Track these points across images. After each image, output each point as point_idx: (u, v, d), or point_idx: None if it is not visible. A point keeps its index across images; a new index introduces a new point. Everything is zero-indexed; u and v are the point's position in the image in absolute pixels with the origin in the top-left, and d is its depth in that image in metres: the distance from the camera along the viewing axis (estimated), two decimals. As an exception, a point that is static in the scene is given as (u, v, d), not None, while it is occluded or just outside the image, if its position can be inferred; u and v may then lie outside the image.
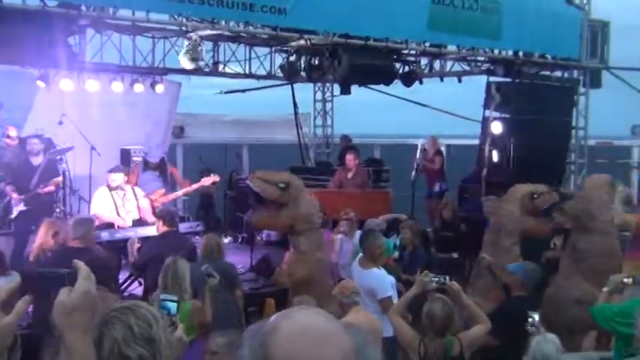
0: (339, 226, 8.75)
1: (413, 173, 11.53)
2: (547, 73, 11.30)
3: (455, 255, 9.49)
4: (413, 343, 5.13)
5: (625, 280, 5.59)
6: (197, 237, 11.34)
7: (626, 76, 12.04)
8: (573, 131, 11.25)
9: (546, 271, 8.91)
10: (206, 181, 9.94)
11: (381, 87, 12.51)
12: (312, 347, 1.45)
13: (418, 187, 12.27)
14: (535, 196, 8.17)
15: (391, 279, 6.53)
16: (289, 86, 13.56)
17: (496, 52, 10.30)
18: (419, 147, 13.06)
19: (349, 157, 11.33)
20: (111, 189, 8.70)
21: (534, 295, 6.63)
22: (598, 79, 11.57)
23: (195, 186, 9.97)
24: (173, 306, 3.34)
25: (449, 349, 4.96)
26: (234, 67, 12.00)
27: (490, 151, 10.38)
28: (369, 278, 6.40)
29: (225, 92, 13.82)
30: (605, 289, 5.72)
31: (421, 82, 12.71)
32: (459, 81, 12.60)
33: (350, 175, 11.27)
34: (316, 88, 15.17)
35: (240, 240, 11.52)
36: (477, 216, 9.40)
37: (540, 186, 8.31)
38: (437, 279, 5.46)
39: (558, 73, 11.40)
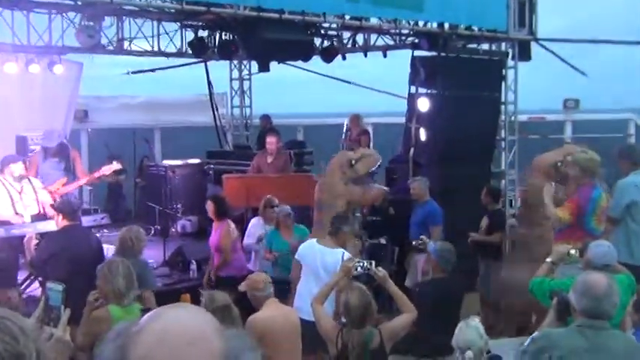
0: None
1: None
2: (474, 46, 11.49)
3: (383, 240, 9.62)
4: (331, 334, 5.19)
5: (572, 251, 5.79)
6: (105, 230, 11.24)
7: (556, 48, 12.37)
8: (503, 107, 11.48)
9: (473, 254, 9.21)
10: (106, 170, 9.72)
11: (303, 64, 12.52)
12: (172, 350, 1.45)
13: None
14: (559, 164, 8.31)
15: None
16: (203, 64, 13.43)
17: (420, 24, 10.41)
18: (344, 127, 13.19)
19: (269, 140, 11.31)
20: (6, 182, 8.39)
21: (455, 275, 6.78)
22: (527, 52, 11.80)
23: (95, 175, 9.75)
24: (56, 296, 3.11)
25: (368, 341, 5.03)
26: (141, 45, 11.78)
27: (417, 130, 10.52)
28: (334, 255, 6.69)
29: (133, 72, 13.57)
30: (548, 260, 5.91)
31: (344, 58, 12.79)
32: (384, 56, 12.71)
33: (270, 159, 11.25)
34: (232, 66, 15.04)
35: (152, 232, 11.37)
36: (405, 198, 9.56)
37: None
38: (361, 264, 5.54)
39: (485, 46, 11.61)
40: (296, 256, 7.15)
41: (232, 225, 8.46)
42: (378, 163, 8.99)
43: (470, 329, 4.77)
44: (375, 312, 5.15)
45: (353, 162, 8.37)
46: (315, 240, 7.09)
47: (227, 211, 8.67)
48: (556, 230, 7.56)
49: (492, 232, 9.35)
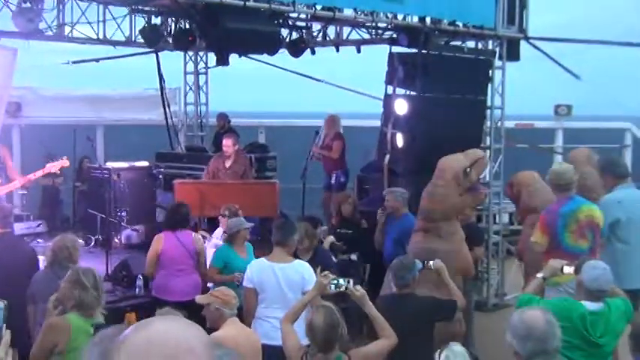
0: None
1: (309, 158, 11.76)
2: (458, 43, 11.61)
3: (353, 257, 9.68)
4: (294, 356, 5.22)
5: (566, 268, 5.89)
6: (39, 240, 11.15)
7: (548, 48, 12.55)
8: (488, 111, 11.61)
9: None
10: (51, 167, 9.65)
11: (267, 58, 12.55)
12: None
13: (311, 178, 12.42)
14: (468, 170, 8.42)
15: None
16: (154, 55, 13.39)
17: (400, 17, 10.50)
18: (319, 130, 13.17)
19: (227, 142, 11.32)
20: None
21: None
22: (516, 51, 11.97)
23: (38, 174, 9.68)
24: None
25: None
26: (84, 31, 11.72)
27: (393, 135, 10.58)
28: (295, 270, 6.81)
29: (74, 62, 13.50)
30: (539, 275, 6.01)
31: (313, 52, 12.85)
32: (358, 51, 12.80)
33: (228, 163, 11.27)
34: (187, 58, 15.03)
35: (93, 243, 11.31)
36: (375, 210, 9.62)
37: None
38: (336, 282, 5.58)
39: (471, 44, 11.74)
40: (247, 283, 7.04)
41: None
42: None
43: (456, 356, 4.83)
44: (344, 335, 5.17)
45: (468, 170, 8.41)
46: (263, 259, 7.07)
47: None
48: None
49: (471, 248, 9.38)
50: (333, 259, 8.89)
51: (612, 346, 5.68)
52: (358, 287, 5.59)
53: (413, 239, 8.44)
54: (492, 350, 9.14)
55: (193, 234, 8.47)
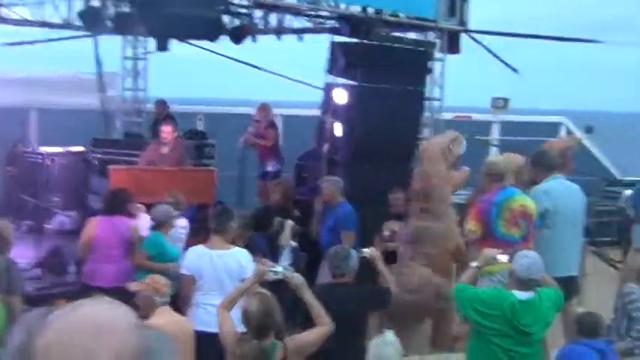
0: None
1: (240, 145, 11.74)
2: (399, 34, 11.67)
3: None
4: (230, 342, 5.20)
5: (499, 256, 5.98)
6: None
7: (488, 42, 12.70)
8: (427, 103, 11.70)
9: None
10: None
11: (208, 44, 12.46)
12: (78, 340, 1.53)
13: (251, 167, 12.40)
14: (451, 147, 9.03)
15: None
16: (92, 39, 13.18)
17: (342, 7, 10.52)
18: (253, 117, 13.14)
19: (165, 129, 11.22)
20: None
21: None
22: (456, 44, 12.09)
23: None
24: None
25: (269, 354, 5.06)
26: (20, 12, 11.49)
27: (332, 124, 10.59)
28: (233, 257, 6.80)
29: (8, 44, 13.22)
30: (473, 264, 6.08)
31: (254, 40, 12.80)
32: (300, 39, 12.80)
33: (166, 149, 11.17)
34: (126, 43, 14.82)
35: (24, 228, 11.09)
36: (313, 199, 9.63)
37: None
38: (275, 269, 5.57)
39: (412, 35, 11.81)
40: (185, 271, 6.99)
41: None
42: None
43: (388, 346, 4.88)
44: (280, 322, 5.17)
45: (450, 147, 8.89)
46: (201, 246, 7.03)
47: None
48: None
49: None
50: (293, 243, 8.91)
51: (541, 335, 5.80)
52: (297, 275, 5.58)
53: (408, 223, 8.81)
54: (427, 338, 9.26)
55: (130, 221, 8.36)
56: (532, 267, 5.73)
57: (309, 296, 5.55)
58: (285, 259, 8.78)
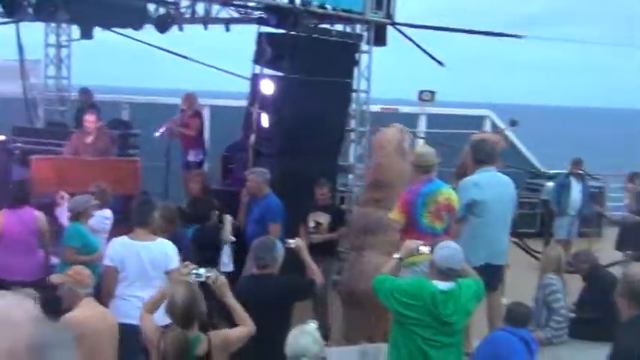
0: None
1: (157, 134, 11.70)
2: (327, 26, 11.70)
3: None
4: (153, 338, 5.18)
5: (422, 247, 6.06)
6: None
7: (414, 35, 12.79)
8: (354, 95, 11.77)
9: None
10: None
11: (133, 33, 12.31)
12: None
13: (176, 156, 12.30)
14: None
15: None
16: (14, 25, 12.89)
17: (270, -3, 10.50)
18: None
19: (88, 118, 11.10)
20: None
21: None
22: (383, 36, 12.17)
23: None
24: None
25: (192, 345, 5.05)
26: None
27: (259, 115, 10.59)
28: (158, 248, 6.76)
29: None
30: (396, 255, 6.16)
31: (181, 29, 12.70)
32: (227, 30, 12.74)
33: (89, 139, 11.03)
34: (49, 30, 14.53)
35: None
36: (239, 190, 9.62)
37: None
38: (197, 272, 5.54)
39: (339, 27, 11.86)
40: (107, 261, 6.90)
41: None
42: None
43: (304, 335, 4.91)
44: (204, 314, 5.17)
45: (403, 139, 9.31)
46: (125, 237, 6.95)
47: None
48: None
49: (336, 228, 9.57)
50: (232, 238, 8.89)
51: (462, 324, 5.90)
52: (221, 278, 5.57)
53: (362, 211, 9.06)
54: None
55: (36, 212, 8.24)
56: (451, 258, 5.84)
57: (230, 299, 5.54)
58: (227, 254, 8.77)
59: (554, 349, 7.73)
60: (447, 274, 5.77)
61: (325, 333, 9.17)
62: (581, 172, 14.09)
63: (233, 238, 9.00)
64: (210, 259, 8.04)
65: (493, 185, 8.17)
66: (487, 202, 7.98)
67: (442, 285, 5.74)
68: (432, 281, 5.77)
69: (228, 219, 8.87)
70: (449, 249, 5.90)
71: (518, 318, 6.60)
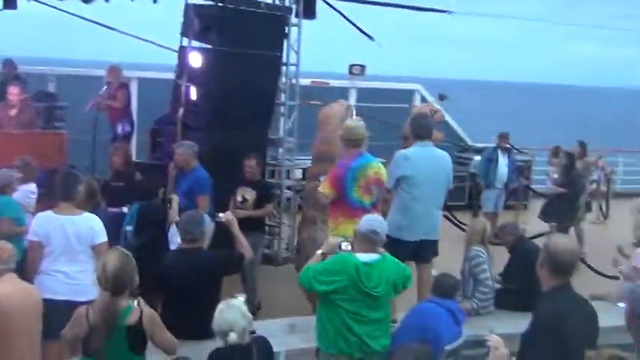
0: None
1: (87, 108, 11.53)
2: (255, -2, 11.59)
3: (125, 209, 9.55)
4: (81, 311, 5.11)
5: (343, 244, 6.09)
6: None
7: (343, 9, 12.78)
8: (284, 68, 11.73)
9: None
10: None
11: (58, 3, 12.04)
12: None
13: (103, 129, 12.12)
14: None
15: None
16: None
17: (197, -32, 10.36)
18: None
19: (12, 90, 10.93)
20: None
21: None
22: (312, 9, 12.12)
23: None
24: None
25: (123, 314, 5.01)
26: None
27: (187, 88, 10.48)
28: (84, 222, 6.65)
29: None
30: (318, 252, 6.20)
31: (107, 0, 12.45)
32: (154, 1, 12.52)
33: (13, 112, 10.86)
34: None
35: None
36: (168, 164, 9.53)
37: None
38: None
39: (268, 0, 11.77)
40: (32, 236, 6.78)
41: None
42: None
43: (231, 309, 4.91)
44: (135, 282, 5.12)
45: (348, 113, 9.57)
46: (50, 212, 6.81)
47: None
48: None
49: (262, 204, 9.53)
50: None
51: (389, 297, 5.94)
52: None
53: (313, 185, 9.10)
54: (280, 302, 9.41)
55: None
56: (374, 222, 5.92)
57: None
58: (175, 235, 8.61)
59: (481, 320, 7.85)
60: (370, 239, 5.82)
61: (254, 308, 9.21)
62: (507, 145, 14.34)
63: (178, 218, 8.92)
64: (155, 237, 8.02)
65: (425, 160, 8.20)
66: (417, 177, 8.04)
67: (365, 257, 5.79)
68: (355, 255, 5.82)
69: (175, 199, 8.77)
70: (375, 221, 6.00)
71: (445, 289, 6.69)
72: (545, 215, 12.87)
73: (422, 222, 8.15)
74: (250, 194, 9.46)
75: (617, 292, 8.63)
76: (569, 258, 4.62)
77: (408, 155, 8.15)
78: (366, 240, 5.85)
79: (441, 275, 6.94)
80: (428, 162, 8.17)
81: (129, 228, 7.83)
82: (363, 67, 16.19)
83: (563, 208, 12.50)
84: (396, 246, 7.31)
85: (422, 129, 8.36)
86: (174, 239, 8.38)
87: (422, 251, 8.31)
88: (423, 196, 8.12)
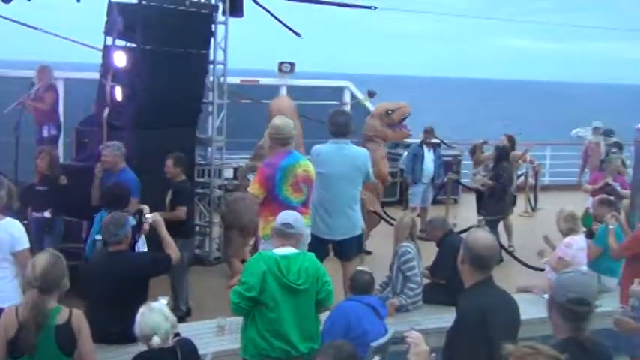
0: None
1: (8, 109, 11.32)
2: (180, -5, 11.44)
3: (47, 214, 9.36)
4: (9, 315, 4.97)
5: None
6: None
7: (270, 6, 12.70)
8: (212, 67, 11.61)
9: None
10: None
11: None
12: None
13: (29, 131, 11.83)
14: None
15: None
16: None
17: (120, -34, 10.17)
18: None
19: None
20: None
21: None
22: (239, 7, 12.03)
23: None
24: None
25: (52, 314, 4.90)
26: None
27: (113, 88, 10.29)
28: (4, 228, 6.36)
29: None
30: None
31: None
32: (78, 0, 12.29)
33: None
34: None
35: None
36: (94, 165, 9.34)
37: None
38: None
39: (194, -3, 11.62)
40: None
41: None
42: None
43: (153, 313, 4.83)
44: (64, 284, 5.01)
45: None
46: None
47: None
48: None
49: (175, 207, 9.23)
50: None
51: (312, 293, 5.78)
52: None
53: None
54: (210, 303, 9.30)
55: None
56: (288, 217, 5.92)
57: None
58: (143, 245, 8.35)
59: (408, 315, 7.89)
60: (284, 232, 5.80)
61: (184, 309, 9.09)
62: (433, 141, 14.44)
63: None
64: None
65: (337, 157, 8.23)
66: (330, 175, 8.06)
67: (281, 251, 5.75)
68: (272, 250, 5.80)
69: (146, 209, 8.63)
70: (286, 212, 6.07)
71: (361, 286, 6.72)
72: (478, 209, 13.03)
73: (337, 220, 8.19)
74: (167, 196, 9.27)
75: (542, 284, 8.79)
76: (490, 253, 4.64)
77: (319, 152, 8.21)
78: (281, 234, 5.83)
79: (357, 272, 6.96)
80: (340, 159, 8.21)
81: (98, 237, 7.57)
82: (292, 64, 16.18)
83: (493, 202, 12.64)
84: (314, 244, 7.35)
85: (336, 126, 8.40)
86: (142, 249, 8.25)
87: (343, 249, 8.34)
88: (336, 194, 8.15)
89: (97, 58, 11.21)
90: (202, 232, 11.89)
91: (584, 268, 8.31)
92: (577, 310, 3.88)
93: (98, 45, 11.27)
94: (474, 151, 14.51)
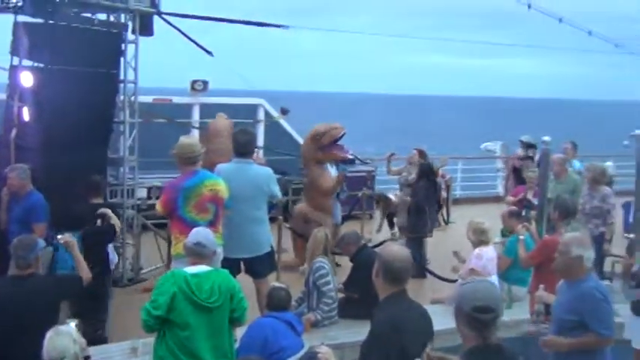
0: None
1: None
2: (89, 15, 11.29)
3: None
4: None
5: None
6: None
7: (181, 25, 12.60)
8: (122, 85, 11.44)
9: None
10: None
11: None
12: None
13: None
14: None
15: None
16: None
17: (25, -16, 9.96)
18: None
19: None
20: None
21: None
22: (149, 26, 11.92)
23: None
24: None
25: None
26: None
27: (20, 108, 10.07)
28: None
29: None
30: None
31: None
32: (-17, 19, 11.99)
33: None
34: None
35: None
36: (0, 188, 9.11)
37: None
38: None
39: (103, 16, 11.47)
40: None
41: None
42: None
43: (61, 336, 4.72)
44: None
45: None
46: None
47: None
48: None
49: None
50: None
51: (225, 310, 5.76)
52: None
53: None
54: (123, 324, 9.10)
55: None
56: (198, 235, 5.89)
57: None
58: (111, 249, 8.27)
59: (324, 330, 7.91)
60: (195, 251, 5.77)
61: (101, 331, 8.85)
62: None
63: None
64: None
65: (235, 175, 8.24)
66: (233, 194, 8.03)
67: (193, 269, 5.71)
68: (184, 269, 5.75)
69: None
70: (197, 230, 6.07)
71: (278, 303, 6.71)
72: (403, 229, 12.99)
73: (240, 239, 8.17)
74: None
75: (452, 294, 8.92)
76: (403, 266, 4.67)
77: (220, 170, 8.21)
78: (194, 253, 5.82)
79: (273, 289, 6.96)
80: (241, 179, 8.19)
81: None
82: (205, 82, 16.14)
83: (413, 220, 12.51)
84: (223, 262, 7.34)
85: (238, 145, 8.42)
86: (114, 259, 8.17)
87: (252, 267, 8.31)
88: (238, 213, 8.13)
89: (4, 78, 10.96)
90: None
91: (494, 277, 8.48)
92: (482, 319, 3.93)
93: (4, 65, 11.03)
94: (388, 166, 14.59)
